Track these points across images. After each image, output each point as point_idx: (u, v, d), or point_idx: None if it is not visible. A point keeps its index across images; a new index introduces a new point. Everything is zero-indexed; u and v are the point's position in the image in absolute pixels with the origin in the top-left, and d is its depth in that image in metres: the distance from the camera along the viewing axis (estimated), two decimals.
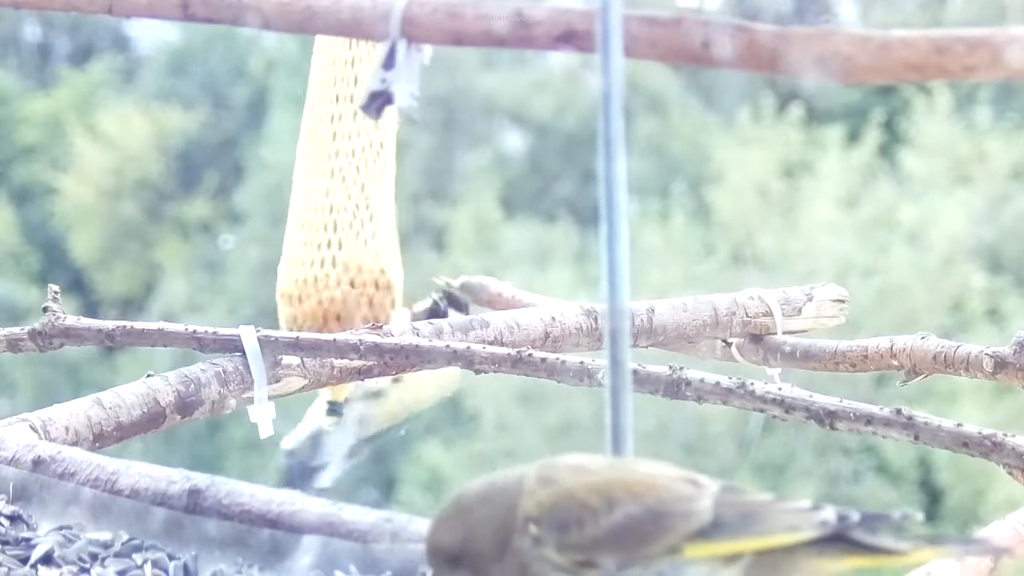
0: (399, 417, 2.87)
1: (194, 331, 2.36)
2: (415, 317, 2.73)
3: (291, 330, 2.67)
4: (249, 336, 2.35)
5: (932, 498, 10.93)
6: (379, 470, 11.43)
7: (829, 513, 1.32)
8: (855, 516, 1.31)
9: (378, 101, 1.77)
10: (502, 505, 1.34)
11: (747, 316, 2.66)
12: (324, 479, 2.78)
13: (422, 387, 2.75)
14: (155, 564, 1.77)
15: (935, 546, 1.30)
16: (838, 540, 1.31)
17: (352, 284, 2.68)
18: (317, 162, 2.72)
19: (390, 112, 1.82)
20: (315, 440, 2.77)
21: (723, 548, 1.29)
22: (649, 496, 1.31)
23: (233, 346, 2.35)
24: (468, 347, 2.29)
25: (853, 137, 12.33)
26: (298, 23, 1.86)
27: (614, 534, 1.29)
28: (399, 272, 2.72)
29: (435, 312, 2.79)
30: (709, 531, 1.30)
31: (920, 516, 1.32)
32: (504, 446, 11.20)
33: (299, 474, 2.77)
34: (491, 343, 2.47)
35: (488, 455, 11.07)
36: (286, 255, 2.73)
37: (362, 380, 2.60)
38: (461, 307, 2.83)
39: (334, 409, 2.78)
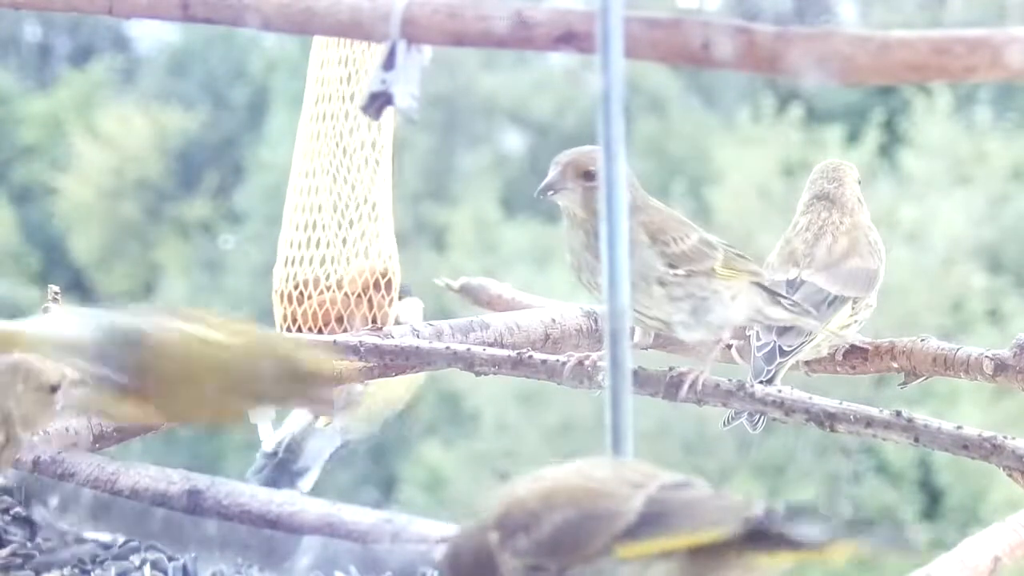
0: (376, 420, 2.87)
1: None
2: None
3: (288, 330, 2.66)
4: None
5: (932, 498, 10.93)
6: (379, 470, 11.42)
7: (756, 508, 1.35)
8: (780, 509, 1.34)
9: (378, 102, 1.77)
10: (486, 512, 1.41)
11: None
12: (306, 483, 2.77)
13: (391, 389, 2.75)
14: (154, 565, 1.77)
15: (853, 539, 1.33)
16: (766, 532, 1.34)
17: (352, 285, 2.67)
18: (313, 162, 2.71)
19: (388, 112, 1.82)
20: (296, 444, 2.76)
21: (649, 546, 1.33)
22: (585, 500, 1.35)
23: None
24: (468, 349, 2.29)
25: (853, 137, 12.32)
26: (298, 23, 1.86)
27: (553, 538, 1.34)
28: (398, 273, 2.72)
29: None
30: (635, 530, 1.34)
31: (847, 511, 1.34)
32: (504, 446, 11.19)
33: (280, 476, 2.76)
34: (491, 345, 2.47)
35: (488, 455, 11.06)
36: (282, 255, 2.72)
37: (362, 382, 2.60)
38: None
39: None
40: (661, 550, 1.33)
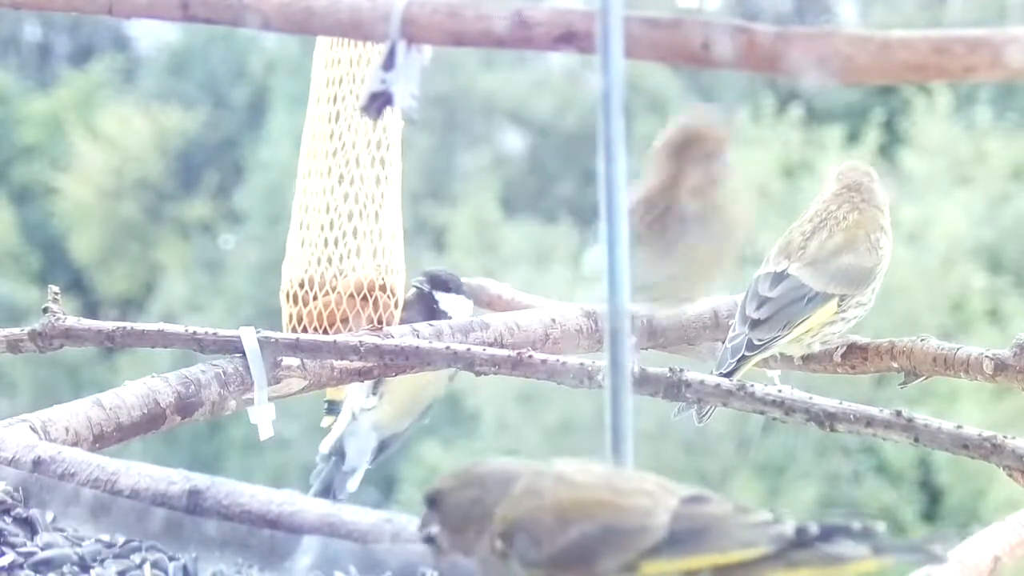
0: (404, 413, 2.87)
1: (194, 332, 2.36)
2: (405, 308, 2.73)
3: (294, 330, 2.67)
4: (249, 337, 2.35)
5: (932, 498, 10.93)
6: (379, 470, 11.40)
7: (787, 527, 1.32)
8: (813, 529, 1.32)
9: (378, 101, 1.77)
10: (485, 498, 1.38)
11: None
12: (352, 483, 2.80)
13: (414, 383, 2.76)
14: (155, 565, 1.77)
15: (878, 555, 1.31)
16: (795, 551, 1.32)
17: (357, 285, 2.68)
18: (320, 161, 2.72)
19: (394, 111, 1.82)
20: (340, 446, 2.79)
21: (677, 565, 1.31)
22: (603, 514, 1.32)
23: (233, 347, 2.35)
24: (468, 349, 2.29)
25: (853, 137, 12.32)
26: (298, 23, 1.86)
27: (570, 552, 1.32)
28: (402, 272, 2.72)
29: (422, 298, 2.78)
30: (663, 548, 1.31)
31: (883, 526, 1.32)
32: (504, 446, 11.18)
33: (334, 478, 2.80)
34: (491, 345, 2.47)
35: (488, 455, 11.05)
36: (289, 255, 2.73)
37: (362, 381, 2.61)
38: (450, 287, 2.82)
39: (332, 408, 2.79)
40: (686, 569, 1.31)
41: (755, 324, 2.39)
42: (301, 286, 2.70)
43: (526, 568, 1.33)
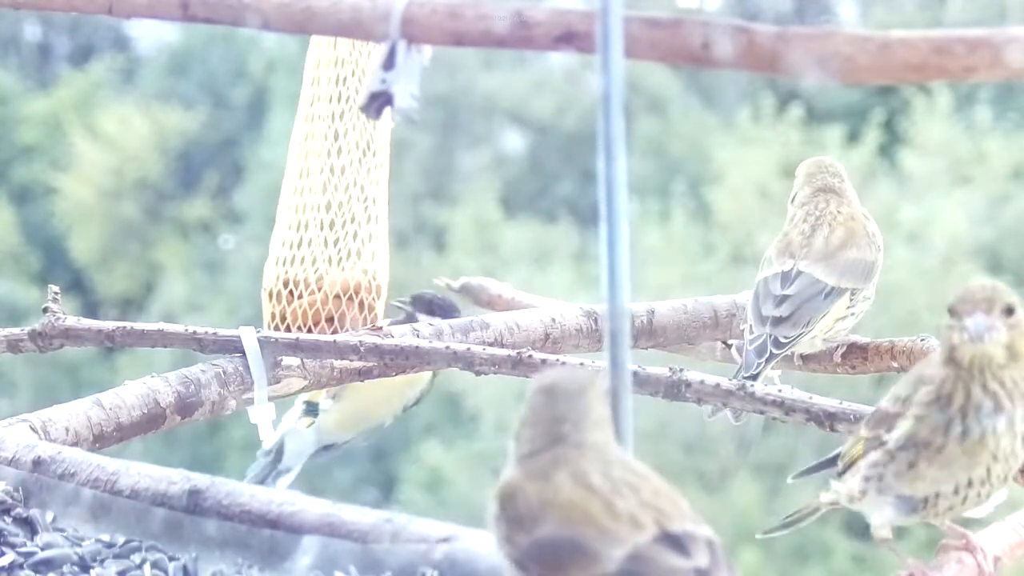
0: (350, 427, 2.87)
1: (194, 332, 2.36)
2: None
3: (276, 328, 2.67)
4: (249, 337, 2.35)
5: None
6: (379, 470, 11.42)
7: None
8: None
9: (378, 101, 1.77)
10: (527, 440, 1.42)
11: None
12: (284, 482, 2.80)
13: (369, 401, 2.77)
14: (155, 565, 1.77)
15: None
16: None
17: (343, 286, 2.68)
18: (305, 162, 2.72)
19: (384, 114, 1.82)
20: (280, 444, 2.80)
21: None
22: (579, 527, 1.33)
23: (233, 347, 2.36)
24: (468, 348, 2.30)
25: (853, 137, 12.32)
26: (298, 23, 1.86)
27: (536, 548, 1.34)
28: (386, 274, 2.72)
29: (407, 318, 2.77)
30: None
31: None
32: (504, 446, 11.13)
33: (268, 474, 2.80)
34: (491, 344, 2.47)
35: (488, 455, 11.06)
36: (274, 254, 2.73)
37: (362, 381, 2.61)
38: (441, 312, 2.79)
39: (311, 409, 2.79)
40: None
41: (777, 322, 2.38)
42: (285, 285, 2.70)
43: (510, 547, 1.36)
